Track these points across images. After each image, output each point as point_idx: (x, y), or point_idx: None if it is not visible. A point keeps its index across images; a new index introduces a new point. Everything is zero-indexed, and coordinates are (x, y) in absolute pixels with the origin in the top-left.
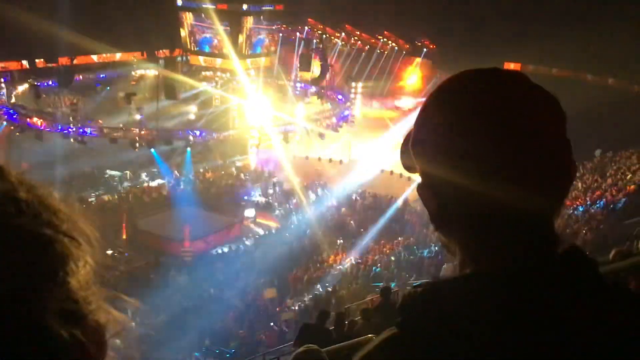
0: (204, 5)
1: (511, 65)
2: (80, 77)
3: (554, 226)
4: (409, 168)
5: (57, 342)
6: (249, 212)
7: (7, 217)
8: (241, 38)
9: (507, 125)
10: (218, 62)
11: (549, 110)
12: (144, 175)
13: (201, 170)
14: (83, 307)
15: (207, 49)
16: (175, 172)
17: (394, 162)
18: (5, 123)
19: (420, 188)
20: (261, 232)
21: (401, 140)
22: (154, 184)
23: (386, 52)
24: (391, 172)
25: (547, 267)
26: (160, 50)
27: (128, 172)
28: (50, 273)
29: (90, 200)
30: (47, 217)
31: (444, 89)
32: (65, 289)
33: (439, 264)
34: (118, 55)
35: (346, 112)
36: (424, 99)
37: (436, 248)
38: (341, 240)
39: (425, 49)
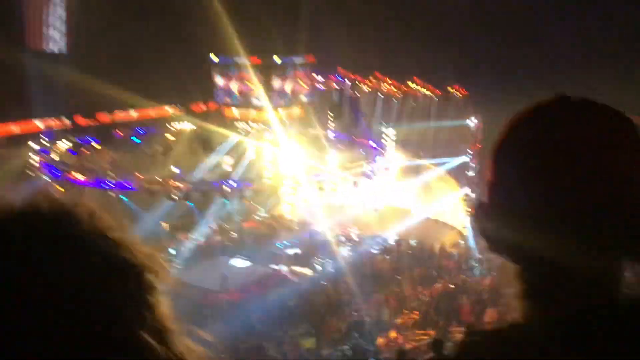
0: (237, 61)
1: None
2: (119, 132)
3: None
4: (490, 238)
5: (155, 356)
6: (285, 261)
7: (105, 253)
8: (273, 89)
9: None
10: (252, 113)
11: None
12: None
13: (237, 220)
14: (165, 337)
15: (240, 102)
16: (213, 222)
17: (428, 208)
18: (48, 179)
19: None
20: (297, 280)
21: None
22: (192, 235)
23: (418, 99)
24: (427, 219)
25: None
26: (196, 104)
27: (165, 224)
28: (143, 300)
29: None
30: (135, 255)
31: (514, 142)
32: (155, 315)
33: (477, 310)
34: (155, 110)
35: (379, 159)
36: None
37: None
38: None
39: (456, 95)
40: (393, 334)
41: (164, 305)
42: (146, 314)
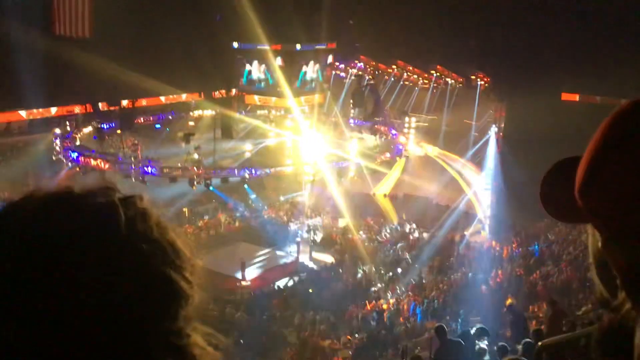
0: (259, 47)
1: (569, 96)
2: (141, 118)
3: None
4: (567, 217)
5: None
6: (304, 248)
7: (141, 255)
8: (295, 76)
9: None
10: (272, 100)
11: None
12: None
13: (257, 206)
14: (184, 340)
15: (261, 88)
16: (234, 208)
17: (449, 197)
18: (70, 165)
19: (604, 247)
20: (316, 267)
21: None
22: (212, 221)
23: (440, 87)
24: (447, 207)
25: None
26: (217, 91)
27: (185, 209)
28: (166, 307)
29: None
30: (172, 258)
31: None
32: (175, 324)
33: (497, 300)
34: (177, 96)
35: (400, 147)
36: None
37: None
38: (396, 276)
39: (480, 83)
40: (411, 321)
41: (188, 311)
42: (165, 323)
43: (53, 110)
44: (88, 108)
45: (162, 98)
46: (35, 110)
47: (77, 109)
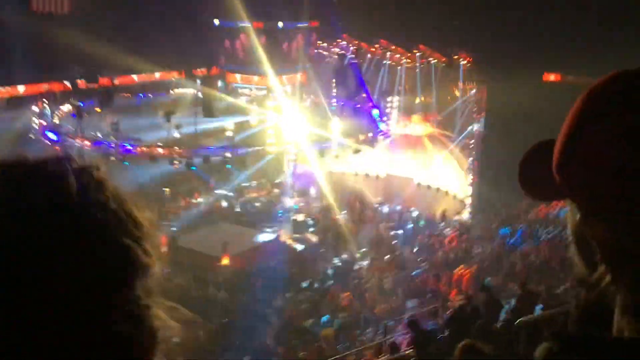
0: (240, 24)
1: (551, 77)
2: (121, 96)
3: None
4: (545, 196)
5: (119, 338)
6: (287, 228)
7: (96, 224)
8: (277, 55)
9: None
10: (254, 79)
11: None
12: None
13: (238, 186)
14: (143, 311)
15: (243, 67)
16: (215, 188)
17: (431, 177)
18: (49, 144)
19: (583, 222)
20: (299, 247)
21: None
22: (193, 200)
23: (422, 66)
24: (428, 187)
25: None
26: (198, 69)
27: (166, 189)
28: (123, 277)
29: None
30: (129, 229)
31: (619, 85)
32: (132, 293)
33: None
34: (157, 75)
35: (382, 127)
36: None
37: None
38: (378, 255)
39: (462, 62)
40: (394, 300)
41: (147, 282)
42: (123, 293)
43: (29, 88)
44: (66, 86)
45: (138, 76)
46: (11, 88)
47: (55, 87)
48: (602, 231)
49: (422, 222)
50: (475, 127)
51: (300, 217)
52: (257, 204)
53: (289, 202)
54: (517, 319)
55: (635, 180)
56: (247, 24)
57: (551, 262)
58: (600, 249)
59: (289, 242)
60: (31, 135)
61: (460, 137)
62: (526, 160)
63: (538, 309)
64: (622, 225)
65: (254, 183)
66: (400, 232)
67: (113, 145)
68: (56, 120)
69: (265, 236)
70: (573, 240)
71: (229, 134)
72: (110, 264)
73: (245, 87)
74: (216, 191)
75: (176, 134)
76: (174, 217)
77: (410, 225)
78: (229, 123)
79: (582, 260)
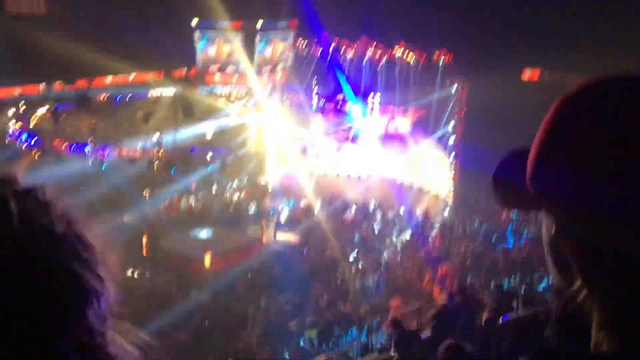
0: (219, 25)
1: (530, 73)
2: (98, 98)
3: None
4: (520, 206)
5: None
6: (270, 229)
7: (41, 251)
8: (256, 54)
9: None
10: (234, 79)
11: None
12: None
13: (219, 187)
14: (97, 339)
15: (222, 67)
16: (195, 190)
17: (412, 176)
18: (24, 148)
19: (557, 234)
20: (281, 248)
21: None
22: (174, 202)
23: (402, 64)
24: (410, 186)
25: None
26: (177, 69)
27: (146, 191)
28: (73, 306)
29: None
30: (79, 253)
31: (591, 96)
32: (83, 322)
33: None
34: (135, 76)
35: (363, 125)
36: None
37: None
38: (360, 255)
39: (442, 58)
40: (377, 300)
41: (100, 309)
42: (73, 323)
43: (3, 91)
44: (42, 88)
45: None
46: None
47: (31, 89)
48: (577, 241)
49: (403, 221)
50: (456, 124)
51: (282, 218)
52: (238, 205)
53: (271, 203)
54: (498, 317)
55: (610, 191)
56: (226, 24)
57: (532, 259)
58: (575, 261)
59: (271, 243)
60: (6, 140)
61: (441, 135)
62: (499, 170)
63: (516, 307)
64: (596, 239)
65: (236, 184)
66: (380, 229)
67: (91, 148)
68: (32, 124)
69: (247, 237)
70: (548, 252)
71: (208, 134)
72: (58, 294)
73: (224, 88)
74: (197, 192)
75: (155, 136)
76: (154, 219)
77: (396, 226)
78: (208, 124)
79: (557, 273)
